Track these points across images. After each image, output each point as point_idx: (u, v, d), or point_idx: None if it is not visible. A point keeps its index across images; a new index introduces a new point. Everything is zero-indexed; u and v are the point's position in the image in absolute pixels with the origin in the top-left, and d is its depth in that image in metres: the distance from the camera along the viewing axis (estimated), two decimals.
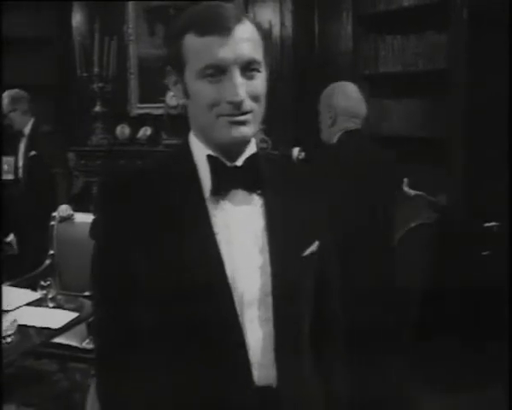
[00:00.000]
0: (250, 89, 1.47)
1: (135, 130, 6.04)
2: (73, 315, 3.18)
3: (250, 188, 1.55)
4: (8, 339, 2.69)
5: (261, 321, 1.53)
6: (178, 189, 1.54)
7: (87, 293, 3.53)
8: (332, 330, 1.77)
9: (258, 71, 1.48)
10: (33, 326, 2.98)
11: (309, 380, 1.62)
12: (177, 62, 1.49)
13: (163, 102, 5.68)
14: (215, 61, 1.43)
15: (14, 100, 5.28)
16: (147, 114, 5.95)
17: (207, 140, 1.51)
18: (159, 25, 5.93)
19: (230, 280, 1.50)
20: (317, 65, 5.36)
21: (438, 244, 3.83)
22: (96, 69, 5.89)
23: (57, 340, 3.38)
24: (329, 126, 3.12)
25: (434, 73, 4.37)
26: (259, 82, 1.49)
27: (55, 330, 3.04)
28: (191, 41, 1.45)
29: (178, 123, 5.55)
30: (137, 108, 6.08)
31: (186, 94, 1.49)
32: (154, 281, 1.50)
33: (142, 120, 5.93)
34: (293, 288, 1.56)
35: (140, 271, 1.51)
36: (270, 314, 1.54)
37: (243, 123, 1.48)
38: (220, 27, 1.43)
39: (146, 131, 5.92)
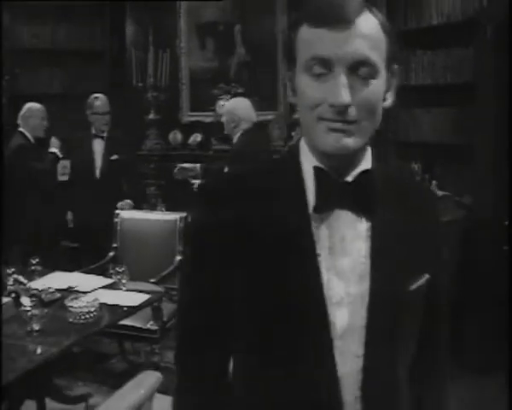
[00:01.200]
0: (360, 95, 1.27)
1: (186, 136, 6.30)
2: (146, 296, 3.46)
3: (357, 209, 1.37)
4: (91, 314, 3.00)
5: (352, 356, 1.37)
6: (282, 200, 1.39)
7: (152, 280, 3.97)
8: (436, 373, 1.58)
9: (371, 75, 1.27)
10: (116, 304, 3.27)
11: None
12: (290, 57, 1.33)
13: (213, 110, 5.94)
14: (320, 55, 1.26)
15: (105, 104, 5.37)
16: (197, 122, 6.16)
17: (311, 147, 1.35)
18: (209, 39, 6.17)
19: (328, 309, 1.35)
20: None
21: (463, 238, 4.12)
22: (150, 79, 6.19)
23: (123, 322, 3.59)
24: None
25: (461, 85, 4.54)
26: (374, 89, 1.28)
27: (134, 307, 3.32)
28: (304, 32, 1.28)
29: None
30: (188, 116, 6.33)
31: (294, 91, 1.34)
32: (249, 296, 1.38)
33: (192, 127, 6.16)
34: (391, 324, 1.38)
35: (233, 281, 1.39)
36: (361, 350, 1.37)
37: (345, 132, 1.29)
38: (333, 18, 1.25)
39: (196, 138, 6.16)
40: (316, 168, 1.34)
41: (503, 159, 4.15)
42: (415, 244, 1.40)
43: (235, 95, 5.69)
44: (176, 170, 5.79)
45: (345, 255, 1.35)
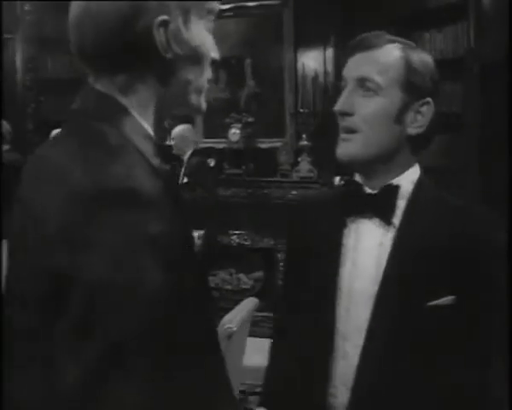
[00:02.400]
0: (363, 107, 1.42)
1: None
2: None
3: (381, 218, 1.46)
4: None
5: (350, 356, 1.46)
6: (330, 212, 1.56)
7: None
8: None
9: (375, 91, 1.41)
10: None
11: None
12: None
13: (225, 137, 6.10)
14: (344, 73, 1.47)
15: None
16: (211, 148, 6.23)
17: None
18: (222, 73, 6.28)
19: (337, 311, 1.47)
20: None
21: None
22: None
23: None
24: None
25: (452, 115, 4.76)
26: (374, 103, 1.42)
27: None
28: (348, 61, 1.49)
29: (238, 156, 6.07)
30: (203, 143, 6.41)
31: None
32: (300, 296, 1.57)
33: (207, 153, 6.21)
34: (393, 327, 1.41)
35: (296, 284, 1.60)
36: (357, 352, 1.44)
37: (348, 141, 1.45)
38: (359, 48, 1.45)
39: (210, 162, 6.22)
40: (347, 180, 1.53)
41: (486, 182, 4.42)
42: (442, 263, 1.39)
43: (246, 124, 5.99)
44: None
45: (367, 258, 1.45)
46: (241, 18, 5.71)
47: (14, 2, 6.40)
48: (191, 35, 1.14)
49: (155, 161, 1.11)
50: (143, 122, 1.15)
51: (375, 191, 1.47)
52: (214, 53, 1.21)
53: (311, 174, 5.80)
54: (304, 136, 5.90)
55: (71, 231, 0.96)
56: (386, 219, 1.45)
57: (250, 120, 6.05)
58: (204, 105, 1.24)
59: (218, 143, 6.22)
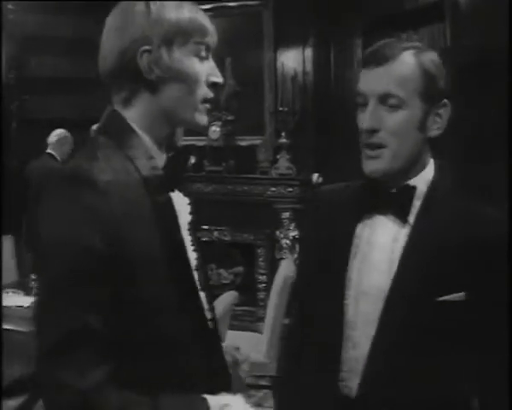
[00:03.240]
0: (388, 122, 1.44)
1: None
2: None
3: (397, 216, 1.50)
4: None
5: (360, 346, 1.51)
6: (348, 206, 1.60)
7: None
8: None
9: (398, 106, 1.43)
10: None
11: None
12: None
13: (205, 135, 6.07)
14: (360, 90, 1.48)
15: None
16: (191, 145, 6.19)
17: None
18: None
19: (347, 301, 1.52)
20: (334, 104, 5.80)
21: None
22: None
23: None
24: None
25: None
26: (399, 117, 1.44)
27: None
28: (361, 73, 1.51)
29: (219, 153, 6.14)
30: (183, 140, 6.54)
31: None
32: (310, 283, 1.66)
33: (187, 150, 6.21)
34: (403, 320, 1.46)
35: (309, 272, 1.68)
36: (368, 342, 1.49)
37: (375, 157, 1.47)
38: (375, 61, 1.46)
39: (191, 160, 6.28)
40: (366, 180, 1.53)
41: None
42: (454, 260, 1.44)
43: (226, 121, 6.06)
44: None
45: (380, 252, 1.50)
46: (221, 18, 5.70)
47: None
48: (173, 61, 1.39)
49: (146, 163, 1.39)
50: (144, 135, 1.42)
51: (393, 190, 1.51)
52: (214, 78, 1.46)
53: (290, 171, 5.89)
54: (283, 134, 5.99)
55: (43, 200, 1.31)
56: (402, 217, 1.50)
57: (230, 118, 6.11)
58: (203, 121, 1.46)
59: (198, 141, 6.24)
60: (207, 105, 1.45)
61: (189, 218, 1.47)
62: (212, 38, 1.48)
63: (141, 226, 1.33)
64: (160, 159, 1.45)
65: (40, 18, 6.82)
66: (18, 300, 3.53)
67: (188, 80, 1.41)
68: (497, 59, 4.08)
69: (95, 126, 1.49)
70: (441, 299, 1.41)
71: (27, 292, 3.79)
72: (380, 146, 1.46)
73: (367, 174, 1.49)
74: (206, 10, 4.85)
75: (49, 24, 6.79)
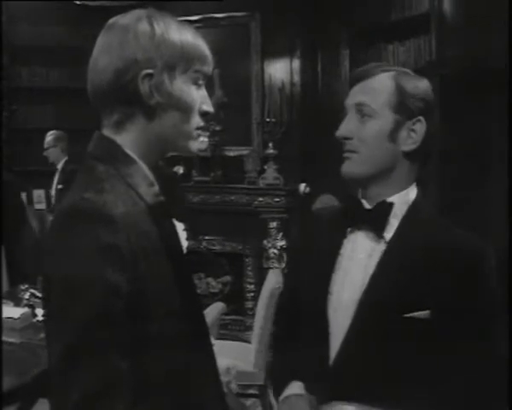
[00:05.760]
0: (360, 130, 1.55)
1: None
2: None
3: (373, 231, 1.57)
4: None
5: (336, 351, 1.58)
6: (336, 224, 1.67)
7: None
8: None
9: (369, 115, 1.54)
10: None
11: None
12: None
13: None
14: (346, 102, 1.61)
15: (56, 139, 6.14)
16: (179, 155, 6.03)
17: None
18: None
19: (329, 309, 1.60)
20: (322, 114, 5.82)
21: None
22: None
23: None
24: None
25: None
26: (369, 126, 1.54)
27: None
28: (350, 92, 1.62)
29: (206, 163, 6.13)
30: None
31: None
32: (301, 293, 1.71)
33: (175, 160, 6.26)
34: (370, 339, 1.52)
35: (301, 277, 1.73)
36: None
37: (349, 159, 1.57)
38: (358, 79, 1.59)
39: (179, 170, 6.27)
40: (348, 197, 1.64)
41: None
42: (423, 280, 1.49)
43: (214, 132, 6.00)
44: None
45: (357, 267, 1.57)
46: (209, 29, 5.74)
47: None
48: (174, 88, 1.36)
49: (148, 191, 1.36)
50: (137, 159, 1.38)
51: (371, 207, 1.58)
52: (206, 106, 1.44)
53: (277, 181, 5.91)
54: (270, 144, 6.00)
55: (49, 238, 1.26)
56: (377, 232, 1.56)
57: (218, 128, 6.10)
58: (195, 148, 1.45)
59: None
60: (200, 132, 1.45)
61: (186, 244, 1.47)
62: (209, 68, 1.46)
63: (155, 259, 1.30)
64: (156, 185, 1.41)
65: (31, 28, 6.81)
66: (8, 311, 3.50)
67: (185, 109, 1.39)
68: (483, 71, 4.12)
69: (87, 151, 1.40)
70: (407, 316, 1.47)
71: (17, 303, 3.78)
72: (352, 151, 1.55)
73: (342, 176, 1.58)
74: (194, 21, 4.98)
75: (39, 34, 6.77)
